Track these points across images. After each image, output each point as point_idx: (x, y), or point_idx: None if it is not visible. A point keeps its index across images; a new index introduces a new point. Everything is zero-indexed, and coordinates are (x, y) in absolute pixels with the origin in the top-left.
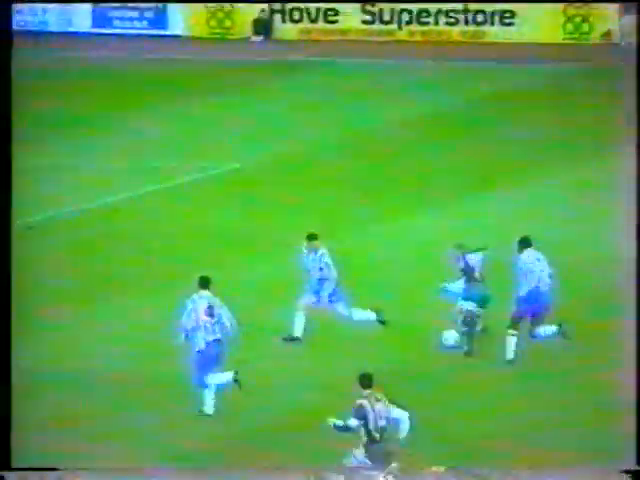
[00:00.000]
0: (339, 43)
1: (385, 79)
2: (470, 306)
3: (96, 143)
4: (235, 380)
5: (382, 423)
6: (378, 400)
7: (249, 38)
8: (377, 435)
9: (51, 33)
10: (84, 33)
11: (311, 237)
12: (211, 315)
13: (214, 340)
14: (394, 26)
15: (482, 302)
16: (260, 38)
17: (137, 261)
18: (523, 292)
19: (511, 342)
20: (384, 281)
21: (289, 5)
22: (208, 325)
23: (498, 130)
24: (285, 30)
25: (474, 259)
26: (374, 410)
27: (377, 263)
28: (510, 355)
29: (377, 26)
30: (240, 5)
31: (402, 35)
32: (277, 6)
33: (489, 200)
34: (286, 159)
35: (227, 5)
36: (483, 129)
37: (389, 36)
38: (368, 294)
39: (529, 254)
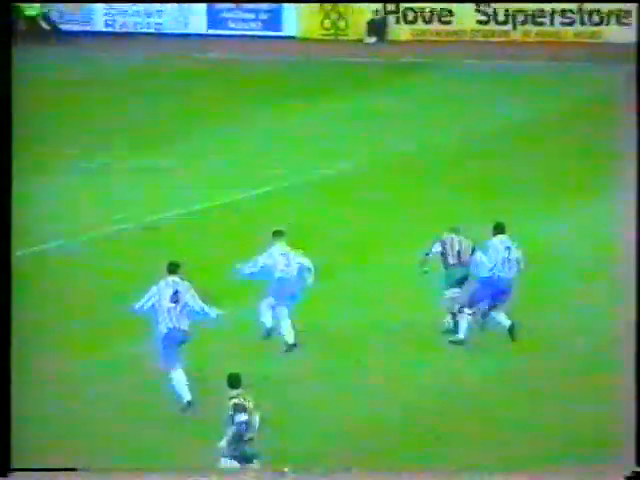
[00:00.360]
0: (453, 44)
1: (499, 80)
2: (453, 293)
3: (208, 143)
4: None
5: (246, 419)
6: (247, 400)
7: (363, 39)
8: (245, 433)
9: (165, 35)
10: (199, 34)
11: (277, 233)
12: (175, 301)
13: (175, 328)
14: (509, 26)
15: (463, 284)
16: (374, 39)
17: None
18: (483, 275)
19: (464, 320)
20: None
21: (403, 6)
22: (172, 311)
23: (610, 134)
24: (399, 31)
25: (447, 243)
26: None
27: None
28: (461, 335)
29: (492, 27)
30: (354, 6)
31: (517, 36)
32: (391, 7)
33: (599, 204)
34: (398, 160)
35: (341, 6)
36: (596, 133)
37: (504, 37)
38: None
39: (499, 240)
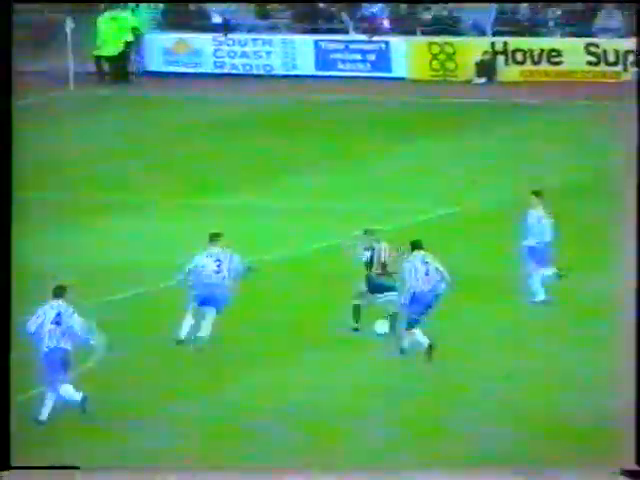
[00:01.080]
0: (562, 85)
1: (609, 122)
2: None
3: (312, 184)
4: (83, 408)
5: None
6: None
7: (472, 80)
8: None
9: (274, 76)
10: (307, 75)
11: (214, 236)
12: (57, 323)
13: (56, 348)
14: (619, 67)
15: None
16: (483, 80)
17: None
18: (406, 297)
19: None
20: None
21: (512, 46)
22: (53, 332)
23: None
24: (508, 72)
25: (377, 250)
26: None
27: None
28: (404, 345)
29: (602, 68)
30: (463, 47)
31: (628, 76)
32: (500, 47)
33: None
34: (506, 203)
35: (449, 47)
36: None
37: (614, 77)
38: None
39: (416, 257)
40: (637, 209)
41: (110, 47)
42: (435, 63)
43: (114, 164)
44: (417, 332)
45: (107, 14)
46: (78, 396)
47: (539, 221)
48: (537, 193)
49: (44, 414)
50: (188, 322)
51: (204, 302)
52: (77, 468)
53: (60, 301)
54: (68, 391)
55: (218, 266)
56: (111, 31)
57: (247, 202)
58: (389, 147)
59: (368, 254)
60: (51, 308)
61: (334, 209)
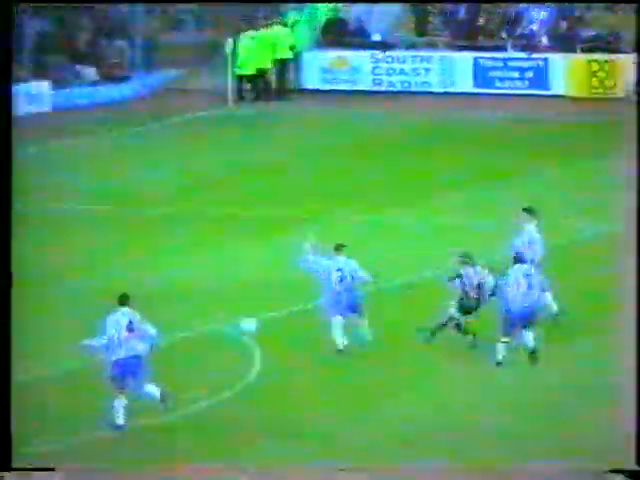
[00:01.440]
0: None
1: None
2: (456, 314)
3: (464, 200)
4: (162, 400)
5: None
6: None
7: (631, 97)
8: None
9: (432, 93)
10: (465, 93)
11: (339, 246)
12: (131, 330)
13: (132, 356)
14: None
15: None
16: None
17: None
18: (512, 308)
19: (500, 348)
20: None
21: None
22: (129, 340)
23: None
24: None
25: (472, 275)
26: None
27: None
28: (499, 358)
29: None
30: (621, 63)
31: None
32: None
33: None
34: None
35: (609, 65)
36: None
37: None
38: None
39: (517, 269)
40: (637, 212)
41: (249, 66)
42: (594, 80)
43: (268, 180)
44: (529, 333)
45: (247, 34)
46: (157, 392)
47: (531, 237)
48: (529, 210)
49: (121, 418)
50: (338, 331)
51: (338, 308)
52: (74, 469)
53: (126, 308)
54: (150, 388)
55: (338, 270)
56: (253, 50)
57: (400, 219)
58: (543, 165)
59: (458, 280)
60: (123, 315)
61: (484, 227)
